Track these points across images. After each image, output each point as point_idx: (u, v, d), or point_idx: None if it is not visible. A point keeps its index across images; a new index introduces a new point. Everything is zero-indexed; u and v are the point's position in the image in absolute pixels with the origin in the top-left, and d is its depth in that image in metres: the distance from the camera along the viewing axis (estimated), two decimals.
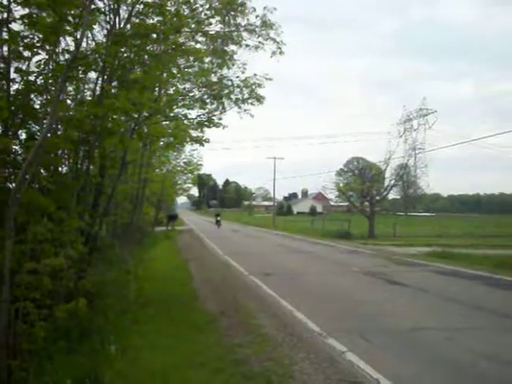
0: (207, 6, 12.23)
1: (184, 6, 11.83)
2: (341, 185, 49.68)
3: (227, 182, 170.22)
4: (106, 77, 9.80)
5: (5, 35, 7.53)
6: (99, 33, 10.77)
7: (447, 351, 7.65)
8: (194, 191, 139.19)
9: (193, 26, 12.31)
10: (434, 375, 6.65)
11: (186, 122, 16.31)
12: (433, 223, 49.78)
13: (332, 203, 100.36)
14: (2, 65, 7.78)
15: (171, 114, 15.68)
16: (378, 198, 43.93)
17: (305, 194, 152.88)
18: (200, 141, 16.33)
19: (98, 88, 9.98)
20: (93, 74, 10.01)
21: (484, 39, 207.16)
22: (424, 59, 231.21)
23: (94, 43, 10.22)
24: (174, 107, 15.66)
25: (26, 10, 7.52)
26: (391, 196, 47.77)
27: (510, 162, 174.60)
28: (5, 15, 7.41)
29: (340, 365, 6.91)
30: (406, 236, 39.30)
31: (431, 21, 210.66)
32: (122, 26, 10.30)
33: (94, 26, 9.66)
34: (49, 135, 7.25)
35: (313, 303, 11.56)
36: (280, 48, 13.34)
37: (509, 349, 7.79)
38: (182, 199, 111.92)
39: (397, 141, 56.04)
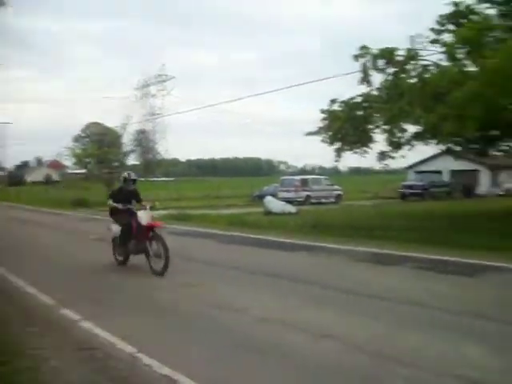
0: None
1: None
2: (77, 151, 47.64)
3: None
4: None
5: None
6: None
7: (180, 304, 8.04)
8: None
9: None
10: (163, 322, 6.91)
11: None
12: (172, 187, 51.41)
13: (69, 171, 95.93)
14: None
15: None
16: (116, 163, 43.49)
17: (39, 162, 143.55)
18: None
19: None
20: None
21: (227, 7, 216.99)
22: (173, 27, 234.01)
23: None
24: None
25: None
26: (131, 162, 47.63)
27: (243, 128, 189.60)
28: None
29: (74, 334, 6.71)
30: (145, 200, 39.83)
31: None
32: None
33: None
34: None
35: (47, 276, 10.94)
36: None
37: (235, 298, 8.52)
38: None
39: (135, 106, 55.54)
